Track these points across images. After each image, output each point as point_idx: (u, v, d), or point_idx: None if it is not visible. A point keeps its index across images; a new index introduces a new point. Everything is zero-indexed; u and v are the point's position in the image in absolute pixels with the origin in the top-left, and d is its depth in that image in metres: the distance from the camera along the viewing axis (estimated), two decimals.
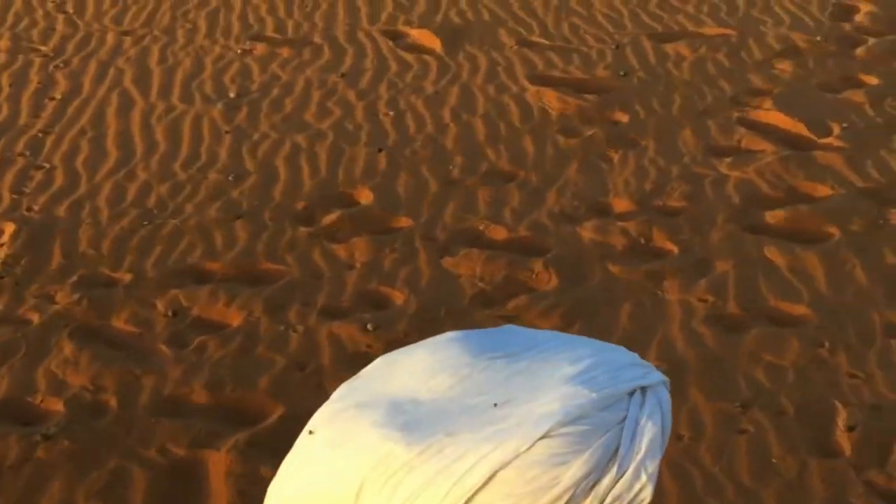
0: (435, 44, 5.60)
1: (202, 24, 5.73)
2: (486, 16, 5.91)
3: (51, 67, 5.21)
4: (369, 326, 3.36)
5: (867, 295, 3.57)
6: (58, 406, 2.94)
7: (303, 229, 3.95)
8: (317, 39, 5.63)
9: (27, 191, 4.14)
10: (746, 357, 3.28)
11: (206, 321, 3.38)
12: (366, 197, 4.20)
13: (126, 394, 3.01)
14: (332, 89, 5.09)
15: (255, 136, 4.65)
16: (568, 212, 4.12)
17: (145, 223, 3.94)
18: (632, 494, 1.00)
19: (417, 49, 5.57)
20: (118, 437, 2.84)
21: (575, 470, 0.98)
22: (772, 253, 3.83)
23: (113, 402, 2.96)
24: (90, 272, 3.62)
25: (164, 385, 3.06)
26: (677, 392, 3.12)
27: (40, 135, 4.57)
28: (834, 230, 3.96)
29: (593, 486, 1.00)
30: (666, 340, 3.36)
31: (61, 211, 4.01)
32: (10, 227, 3.87)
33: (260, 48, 5.50)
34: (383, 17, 5.88)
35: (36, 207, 4.03)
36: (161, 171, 4.33)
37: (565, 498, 0.97)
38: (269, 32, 5.68)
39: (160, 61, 5.32)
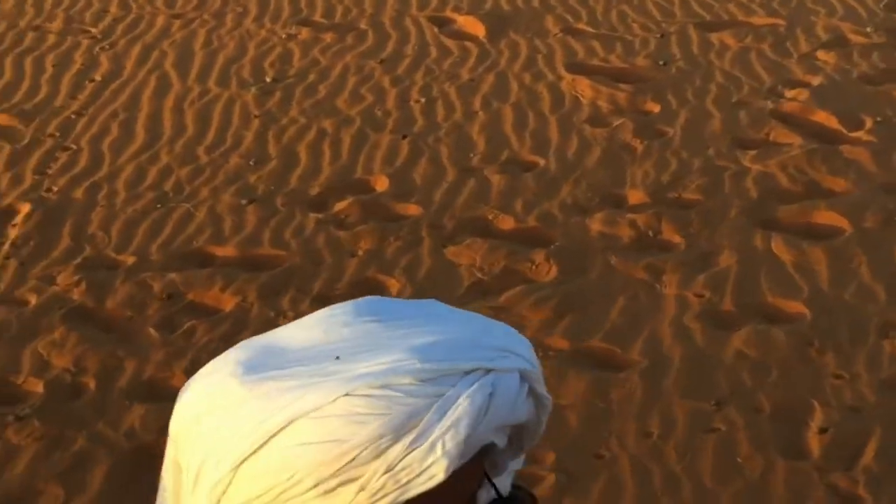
0: (479, 30, 5.59)
1: (252, 8, 5.83)
2: (535, 2, 5.86)
3: (96, 49, 5.37)
4: None
5: (868, 293, 3.46)
6: (38, 387, 3.06)
7: (312, 215, 4.01)
8: (362, 25, 5.67)
9: (50, 172, 4.30)
10: (732, 354, 3.22)
11: (199, 306, 3.46)
12: (381, 184, 4.23)
13: (106, 377, 3.11)
14: (368, 75, 5.14)
15: (284, 121, 4.73)
16: (581, 203, 4.09)
17: (158, 206, 4.05)
18: (423, 467, 0.99)
19: (461, 36, 5.56)
20: (88, 420, 2.94)
21: (370, 430, 0.99)
22: (778, 248, 3.73)
23: (91, 385, 3.07)
24: (95, 254, 3.75)
25: (145, 369, 3.15)
26: (654, 388, 3.09)
27: (73, 116, 4.73)
28: (846, 226, 3.83)
29: (385, 450, 0.99)
30: (653, 336, 3.32)
31: (79, 193, 4.15)
32: (25, 208, 4.03)
33: (305, 33, 5.57)
34: (433, 2, 5.89)
35: (55, 188, 4.18)
36: (184, 155, 4.44)
37: (353, 454, 0.98)
38: (317, 17, 5.75)
39: (204, 45, 5.44)
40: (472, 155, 4.43)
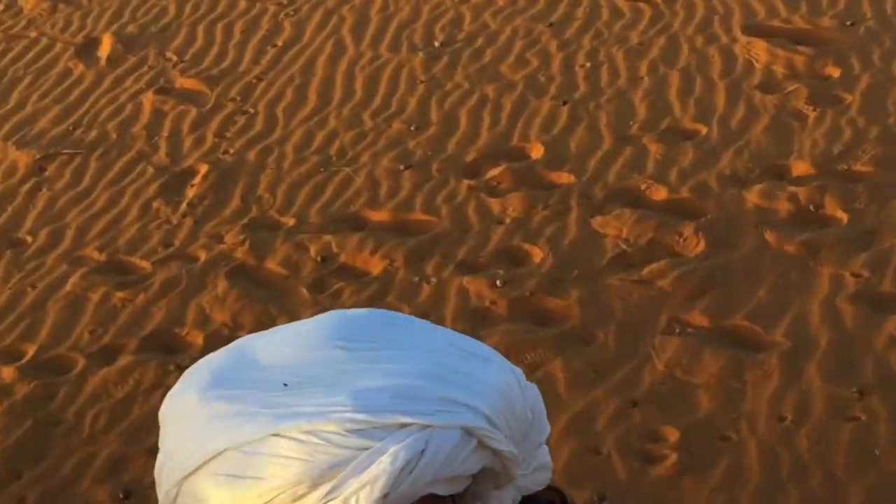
0: None
1: None
2: None
3: (281, 15, 5.60)
4: (498, 283, 3.47)
5: None
6: (198, 339, 3.30)
7: (465, 182, 4.08)
8: None
9: (228, 135, 4.55)
10: (885, 340, 3.08)
11: (349, 268, 3.62)
12: (536, 151, 4.25)
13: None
14: (535, 39, 5.13)
15: (448, 87, 4.80)
16: (739, 174, 3.98)
17: (321, 170, 4.23)
18: None
19: None
20: None
21: (290, 474, 1.00)
22: None
23: None
24: (260, 215, 3.96)
25: None
26: (793, 372, 3.00)
27: (254, 81, 4.97)
28: None
29: (301, 497, 1.00)
30: (800, 316, 3.21)
31: (252, 155, 4.38)
32: (203, 169, 4.30)
33: None
34: None
35: (231, 151, 4.43)
36: (350, 120, 4.60)
37: (271, 496, 1.00)
38: None
39: (381, 9, 5.57)
40: (631, 122, 4.38)
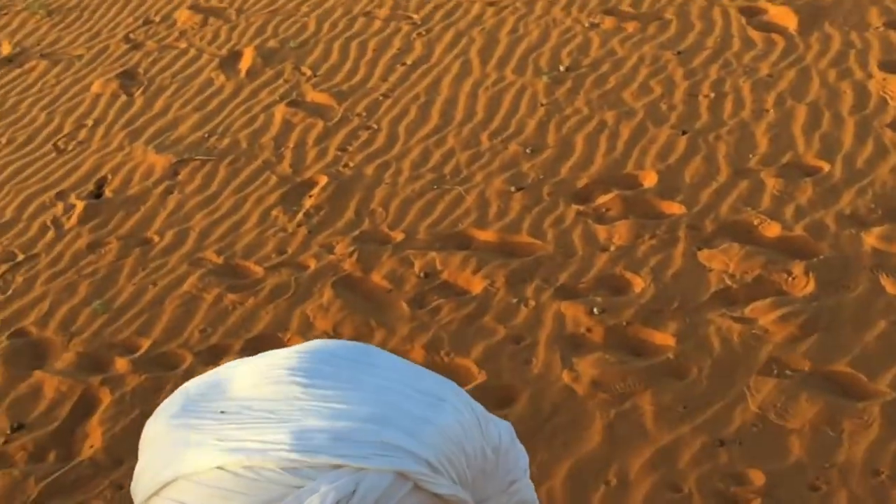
0: (790, 22, 5.36)
1: None
2: None
3: (413, 35, 5.73)
4: (595, 310, 3.46)
5: None
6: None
7: (574, 207, 4.09)
8: (668, 14, 5.62)
9: (350, 149, 4.68)
10: None
11: (450, 286, 3.67)
12: (650, 180, 4.23)
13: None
14: (661, 67, 5.10)
15: (568, 111, 4.82)
16: (860, 214, 3.86)
17: (435, 187, 4.31)
18: None
19: (769, 27, 5.37)
20: None
21: None
22: None
23: None
24: (371, 229, 4.06)
25: (390, 340, 3.41)
26: (893, 426, 2.89)
27: (380, 98, 5.10)
28: None
29: None
30: None
31: (370, 169, 4.49)
32: (323, 180, 4.44)
33: (608, 22, 5.62)
34: None
35: (351, 164, 4.55)
36: (468, 140, 4.66)
37: None
38: (625, 6, 5.77)
39: (511, 32, 5.64)
40: (751, 155, 4.30)
